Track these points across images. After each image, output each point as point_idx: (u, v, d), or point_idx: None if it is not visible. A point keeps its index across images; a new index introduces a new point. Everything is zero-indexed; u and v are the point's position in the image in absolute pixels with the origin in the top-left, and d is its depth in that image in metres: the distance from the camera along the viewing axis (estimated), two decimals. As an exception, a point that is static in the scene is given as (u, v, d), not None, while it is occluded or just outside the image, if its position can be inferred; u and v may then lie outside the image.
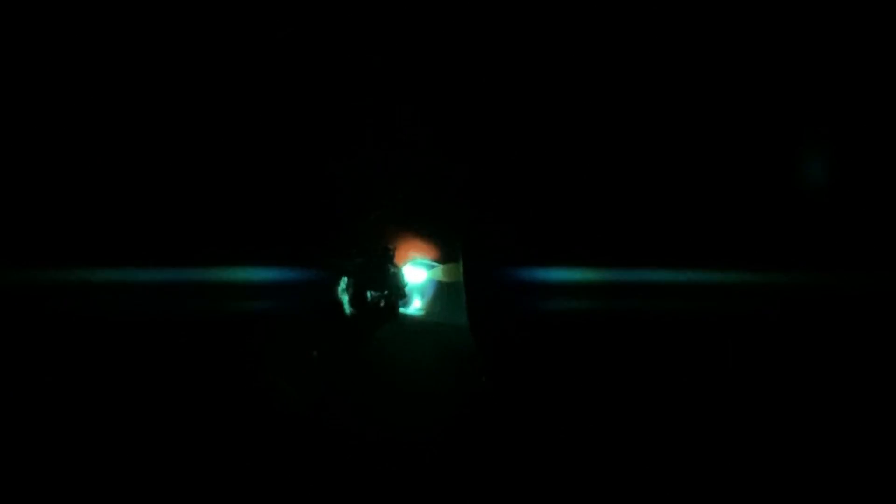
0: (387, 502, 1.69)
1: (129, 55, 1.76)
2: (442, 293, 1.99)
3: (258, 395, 1.77)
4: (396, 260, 1.96)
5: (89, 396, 1.70)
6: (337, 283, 1.91)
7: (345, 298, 1.91)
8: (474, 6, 1.82)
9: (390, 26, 1.83)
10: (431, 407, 1.83)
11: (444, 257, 1.96)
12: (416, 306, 2.00)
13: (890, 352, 1.77)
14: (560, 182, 1.84)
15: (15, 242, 1.71)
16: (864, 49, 1.81)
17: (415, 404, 1.84)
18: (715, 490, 1.70)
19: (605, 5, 1.80)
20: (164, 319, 1.75)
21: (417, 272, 1.99)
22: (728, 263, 1.81)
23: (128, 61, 1.76)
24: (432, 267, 1.99)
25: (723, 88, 1.83)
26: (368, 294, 1.92)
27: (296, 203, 1.86)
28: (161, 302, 1.74)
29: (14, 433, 1.65)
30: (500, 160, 1.87)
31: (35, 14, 1.72)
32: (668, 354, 1.79)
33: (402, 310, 1.97)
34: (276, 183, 1.84)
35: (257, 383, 1.77)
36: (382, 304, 1.94)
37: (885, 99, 1.83)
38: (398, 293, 1.96)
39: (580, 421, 1.78)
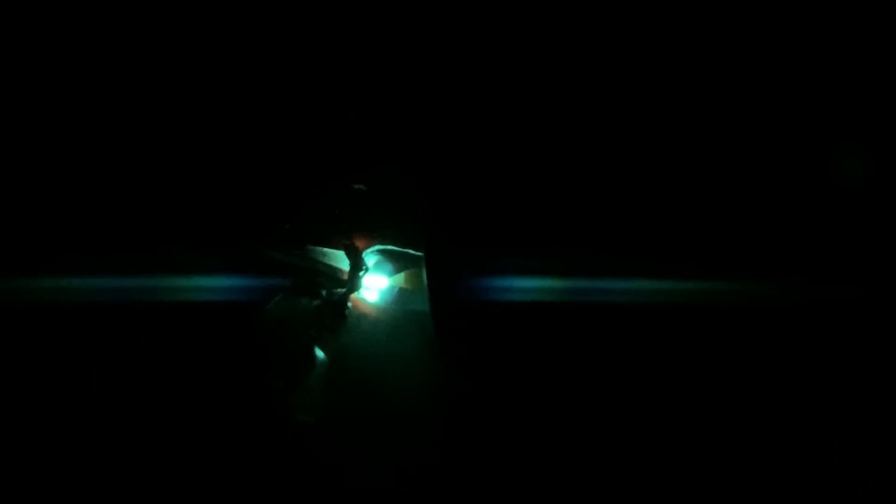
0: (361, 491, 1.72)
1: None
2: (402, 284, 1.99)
3: (229, 391, 1.80)
4: (357, 246, 1.95)
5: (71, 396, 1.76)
6: (297, 273, 1.92)
7: (306, 288, 1.92)
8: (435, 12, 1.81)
9: (357, 30, 1.84)
10: (398, 393, 1.84)
11: (405, 244, 1.95)
12: (376, 293, 1.99)
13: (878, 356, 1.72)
14: (521, 176, 1.84)
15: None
16: (864, 57, 1.76)
17: (382, 390, 1.85)
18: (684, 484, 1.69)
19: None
20: (126, 319, 1.79)
21: (379, 278, 1.98)
22: (686, 264, 1.79)
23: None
24: (392, 252, 1.97)
25: (686, 83, 1.80)
26: (329, 283, 1.93)
27: (258, 198, 1.88)
28: (122, 301, 1.79)
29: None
30: (462, 151, 1.87)
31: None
32: (625, 342, 1.79)
33: (361, 297, 1.96)
34: (236, 178, 1.86)
35: (224, 378, 1.81)
36: (343, 292, 1.94)
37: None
38: (357, 280, 1.95)
39: (542, 408, 1.79)
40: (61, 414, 1.74)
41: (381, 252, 1.97)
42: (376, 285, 1.97)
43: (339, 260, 1.91)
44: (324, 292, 1.89)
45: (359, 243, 1.91)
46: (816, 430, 1.72)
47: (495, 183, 1.85)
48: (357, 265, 1.91)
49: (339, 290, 1.91)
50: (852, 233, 1.80)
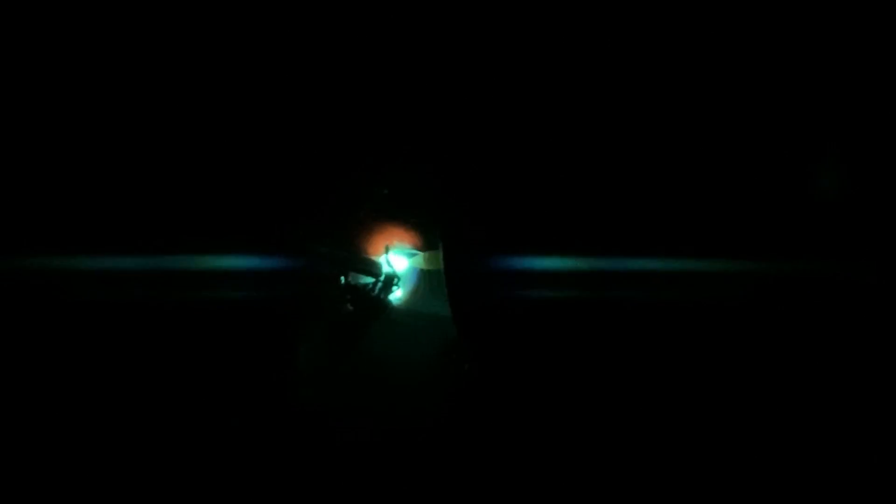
0: (378, 493, 1.72)
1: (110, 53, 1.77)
2: (423, 282, 2.01)
3: (250, 386, 1.79)
4: (382, 249, 1.96)
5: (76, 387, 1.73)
6: (327, 273, 1.92)
7: (337, 288, 1.93)
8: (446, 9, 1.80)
9: (369, 28, 1.82)
10: (418, 396, 1.86)
11: (426, 246, 1.96)
12: (398, 295, 2.01)
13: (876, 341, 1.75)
14: (537, 171, 1.84)
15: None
16: (861, 50, 1.77)
17: (402, 393, 1.86)
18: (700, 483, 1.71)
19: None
20: (152, 309, 1.76)
21: (400, 260, 1.99)
22: (698, 251, 1.80)
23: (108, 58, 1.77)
24: (414, 255, 1.99)
25: (691, 77, 1.80)
26: (359, 283, 1.94)
27: (285, 197, 1.88)
28: (149, 292, 1.78)
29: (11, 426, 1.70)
30: (479, 151, 1.87)
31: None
32: (647, 340, 1.79)
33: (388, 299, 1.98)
34: (266, 176, 1.85)
35: (248, 374, 1.81)
36: (373, 293, 1.95)
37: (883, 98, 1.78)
38: (389, 282, 1.97)
39: (564, 408, 1.79)
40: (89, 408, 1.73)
41: (400, 254, 1.99)
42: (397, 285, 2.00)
43: (372, 264, 1.93)
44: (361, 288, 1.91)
45: (390, 247, 1.93)
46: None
47: (512, 182, 1.85)
48: (392, 271, 1.94)
49: (370, 291, 1.93)
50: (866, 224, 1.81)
